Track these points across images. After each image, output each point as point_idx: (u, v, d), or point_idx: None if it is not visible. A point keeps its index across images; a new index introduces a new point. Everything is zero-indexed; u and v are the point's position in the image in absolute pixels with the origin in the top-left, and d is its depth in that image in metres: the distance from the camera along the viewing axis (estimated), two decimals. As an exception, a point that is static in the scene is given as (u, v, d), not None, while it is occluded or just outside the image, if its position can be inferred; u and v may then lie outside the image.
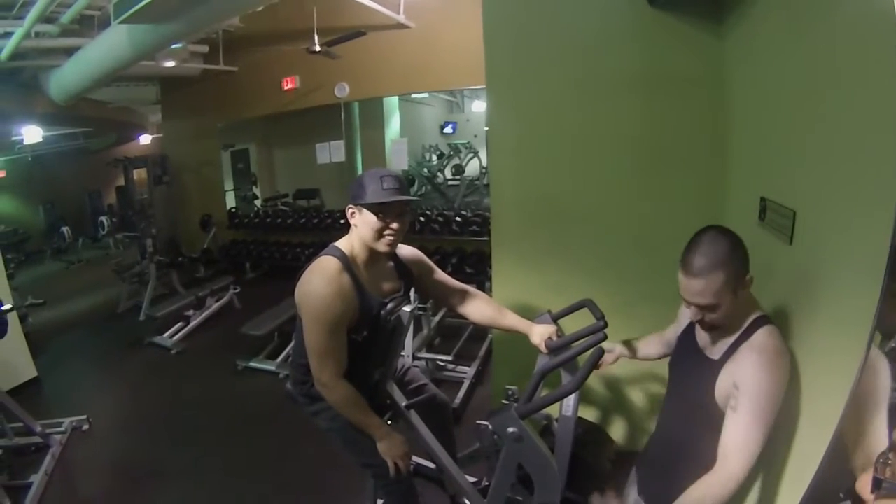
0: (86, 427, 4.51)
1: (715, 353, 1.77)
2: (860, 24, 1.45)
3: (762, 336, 1.64)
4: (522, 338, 2.39)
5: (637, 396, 3.22)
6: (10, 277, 6.00)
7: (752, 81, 2.40)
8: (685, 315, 1.99)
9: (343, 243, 2.18)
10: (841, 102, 1.55)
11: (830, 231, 1.61)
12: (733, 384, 1.63)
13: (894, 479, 1.14)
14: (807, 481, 1.45)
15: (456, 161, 9.66)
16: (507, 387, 2.27)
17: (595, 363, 1.81)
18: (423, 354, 4.92)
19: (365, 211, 2.08)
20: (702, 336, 1.88)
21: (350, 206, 2.13)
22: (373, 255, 2.19)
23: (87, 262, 13.26)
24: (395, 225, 2.11)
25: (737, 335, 1.70)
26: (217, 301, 7.51)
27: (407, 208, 2.17)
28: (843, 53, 1.54)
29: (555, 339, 2.28)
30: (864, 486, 1.21)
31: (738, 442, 1.59)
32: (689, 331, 1.97)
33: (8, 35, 6.05)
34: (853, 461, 1.37)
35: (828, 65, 1.64)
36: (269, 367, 5.46)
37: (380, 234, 2.12)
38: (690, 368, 1.88)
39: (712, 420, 1.68)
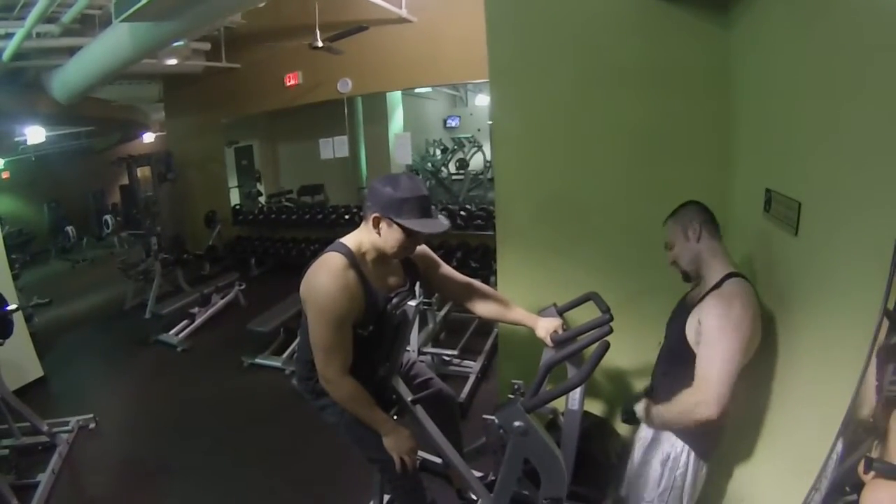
0: (92, 426, 4.52)
1: (692, 303, 2.03)
2: (868, 13, 1.43)
3: (728, 285, 1.91)
4: (528, 332, 2.38)
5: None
6: (15, 277, 6.03)
7: (757, 72, 2.38)
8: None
9: (350, 240, 2.17)
10: (848, 92, 1.54)
11: (836, 222, 1.59)
12: (698, 321, 1.90)
13: (885, 460, 1.17)
14: (813, 474, 1.44)
15: (460, 155, 9.67)
16: (513, 381, 2.27)
17: (601, 356, 1.81)
18: (429, 349, 4.92)
19: (395, 226, 2.06)
20: (690, 296, 2.16)
21: (377, 213, 2.07)
22: (381, 254, 2.18)
23: (91, 262, 13.30)
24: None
25: (710, 287, 1.96)
26: (222, 298, 7.54)
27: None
28: (851, 43, 1.52)
29: (560, 332, 2.28)
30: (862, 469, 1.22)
31: (707, 370, 1.81)
32: (684, 296, 2.24)
33: (9, 36, 6.05)
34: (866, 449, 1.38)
35: (835, 55, 1.62)
36: (275, 363, 5.48)
37: (405, 252, 2.16)
38: (674, 320, 2.15)
39: (684, 359, 1.93)
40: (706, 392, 1.77)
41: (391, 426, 2.25)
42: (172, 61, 8.42)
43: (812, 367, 1.68)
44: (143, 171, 10.65)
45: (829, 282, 1.62)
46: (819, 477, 1.42)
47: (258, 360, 5.59)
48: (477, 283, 2.54)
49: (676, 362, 2.01)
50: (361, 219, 2.16)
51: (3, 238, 5.63)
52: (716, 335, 1.82)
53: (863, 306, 1.36)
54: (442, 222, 2.12)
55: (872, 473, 1.18)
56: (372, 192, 2.11)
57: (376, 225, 2.09)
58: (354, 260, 2.10)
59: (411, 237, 2.09)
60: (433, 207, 2.15)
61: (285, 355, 5.47)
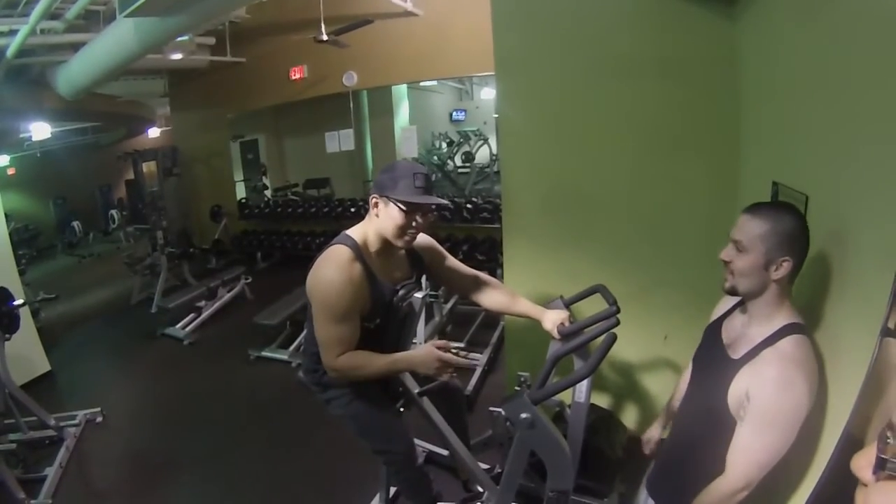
0: (99, 419, 4.55)
1: (737, 351, 1.68)
2: (875, 3, 1.42)
3: (787, 345, 1.53)
4: (535, 324, 2.37)
5: (650, 383, 3.21)
6: (21, 273, 6.04)
7: (764, 64, 2.36)
8: (721, 303, 1.96)
9: (355, 232, 2.16)
10: (854, 85, 1.52)
11: (844, 215, 1.58)
12: (746, 394, 1.56)
13: None
14: (820, 470, 1.43)
15: (466, 148, 9.67)
16: (520, 373, 2.27)
17: (608, 349, 1.79)
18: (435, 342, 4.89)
19: (391, 205, 2.05)
20: (728, 330, 1.81)
21: (375, 195, 2.09)
22: (386, 244, 2.16)
23: (98, 256, 13.36)
24: (417, 223, 2.10)
25: (763, 337, 1.60)
26: (229, 291, 7.55)
27: (433, 209, 2.16)
28: (857, 36, 1.51)
29: (567, 324, 2.27)
30: (860, 465, 1.15)
31: (743, 457, 1.56)
32: (716, 325, 1.89)
33: (13, 33, 6.04)
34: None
35: (841, 47, 1.62)
36: (282, 356, 5.49)
37: (402, 232, 2.10)
38: (710, 365, 1.82)
39: (723, 424, 1.62)
40: (738, 480, 1.55)
41: (409, 355, 2.21)
42: (177, 56, 8.41)
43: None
44: (148, 166, 10.65)
45: (838, 273, 1.61)
46: (823, 477, 1.39)
47: (265, 353, 5.60)
48: (483, 275, 2.53)
49: (714, 427, 1.66)
50: (367, 212, 2.16)
51: (10, 234, 5.65)
52: (767, 423, 1.51)
53: (870, 298, 1.35)
54: (439, 199, 2.13)
55: (881, 474, 1.08)
56: (374, 182, 2.11)
57: (375, 207, 2.10)
58: (360, 252, 2.10)
59: (406, 214, 2.05)
60: (433, 188, 2.14)
61: (292, 348, 5.49)
